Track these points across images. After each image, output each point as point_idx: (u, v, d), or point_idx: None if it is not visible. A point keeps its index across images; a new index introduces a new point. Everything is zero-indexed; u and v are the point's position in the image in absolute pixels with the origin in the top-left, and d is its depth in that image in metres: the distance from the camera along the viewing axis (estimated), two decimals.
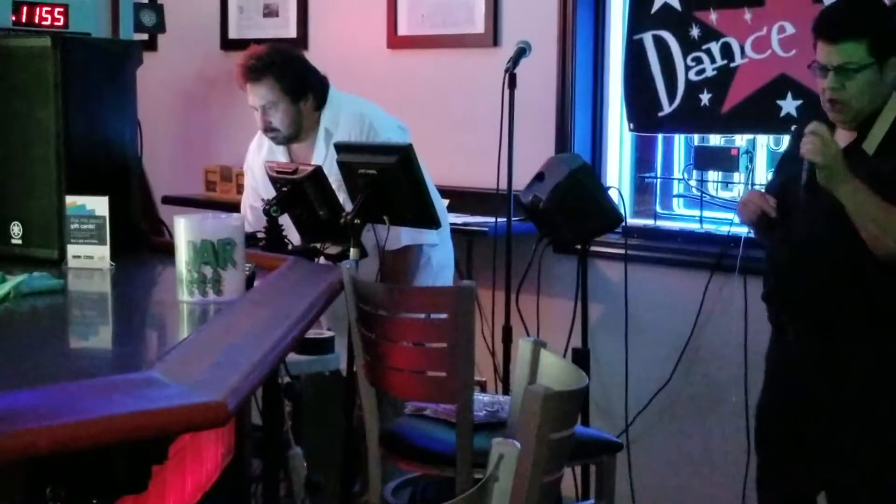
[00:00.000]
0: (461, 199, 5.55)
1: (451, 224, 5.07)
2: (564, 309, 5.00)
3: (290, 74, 4.52)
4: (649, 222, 5.32)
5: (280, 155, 4.65)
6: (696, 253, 5.06)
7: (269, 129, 4.54)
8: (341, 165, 4.03)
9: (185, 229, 3.10)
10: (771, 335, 3.80)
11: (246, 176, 4.89)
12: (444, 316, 3.37)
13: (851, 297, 3.48)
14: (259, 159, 4.69)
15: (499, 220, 4.96)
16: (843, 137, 3.53)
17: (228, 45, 6.83)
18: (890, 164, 3.36)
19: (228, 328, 2.72)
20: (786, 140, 4.82)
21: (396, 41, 6.08)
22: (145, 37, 6.76)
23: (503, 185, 4.75)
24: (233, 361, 2.36)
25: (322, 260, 4.08)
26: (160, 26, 6.50)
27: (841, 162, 3.39)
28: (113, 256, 3.57)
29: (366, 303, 3.48)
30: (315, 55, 5.88)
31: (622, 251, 5.06)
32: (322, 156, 4.51)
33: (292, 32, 6.51)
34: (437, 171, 4.67)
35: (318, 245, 4.11)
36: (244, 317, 2.84)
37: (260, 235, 4.12)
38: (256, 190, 4.69)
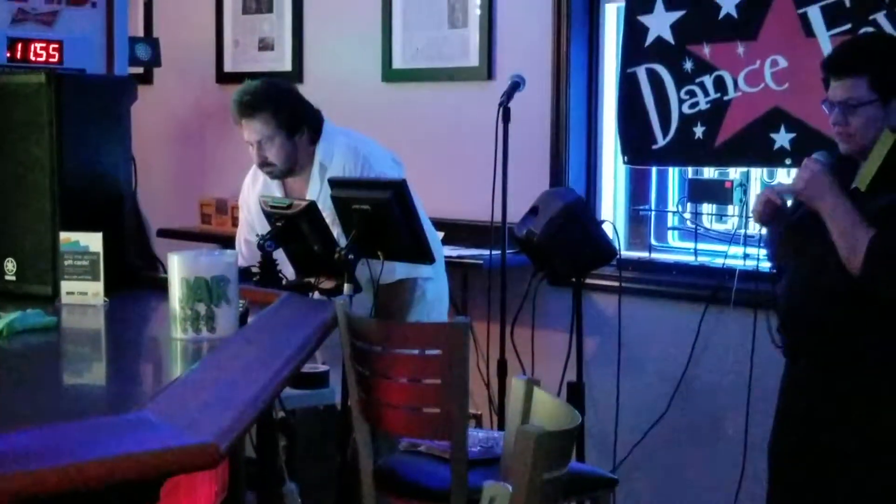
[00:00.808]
0: (456, 231, 5.56)
1: (446, 257, 5.07)
2: (560, 341, 4.99)
3: (285, 109, 4.51)
4: (644, 255, 5.32)
5: (275, 189, 4.65)
6: (691, 285, 5.06)
7: (264, 164, 4.54)
8: (335, 200, 4.03)
9: (178, 266, 3.10)
10: (784, 367, 3.80)
11: (241, 210, 4.89)
12: (437, 352, 3.37)
13: (862, 329, 3.48)
14: (254, 193, 4.69)
15: (493, 252, 4.96)
16: None
17: (224, 78, 6.84)
18: (881, 201, 3.37)
19: (221, 367, 2.71)
20: (780, 172, 4.85)
21: (391, 74, 6.10)
22: (141, 70, 6.81)
23: (498, 218, 4.76)
24: (225, 401, 2.36)
25: (316, 295, 4.08)
26: (156, 60, 6.54)
27: (821, 181, 3.45)
28: (107, 292, 3.57)
29: (359, 339, 3.47)
30: (310, 88, 5.91)
31: (617, 284, 5.06)
32: (317, 190, 4.51)
33: (287, 66, 6.53)
34: (431, 203, 4.68)
35: (313, 280, 4.10)
36: (237, 355, 2.84)
37: (254, 270, 4.12)
38: (251, 224, 4.69)
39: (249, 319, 3.32)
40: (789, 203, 3.67)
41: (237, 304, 3.19)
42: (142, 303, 3.81)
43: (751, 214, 4.08)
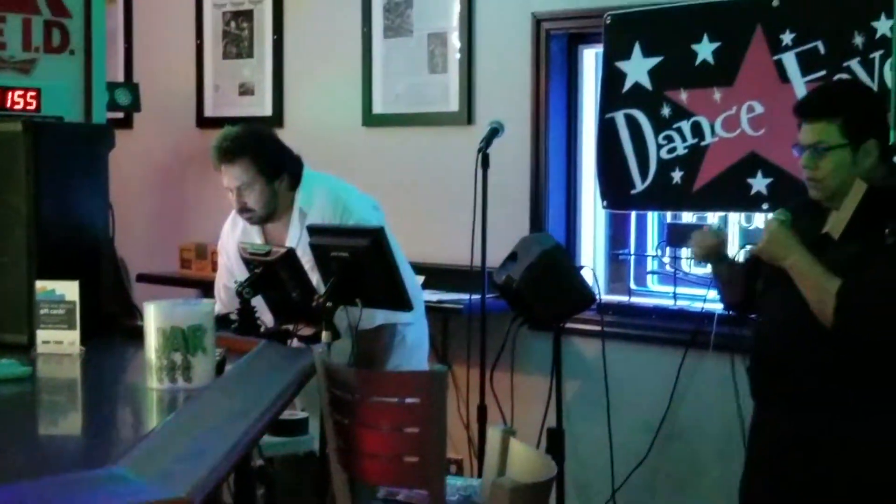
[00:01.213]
0: (436, 276, 5.56)
1: (426, 301, 5.07)
2: (540, 386, 4.99)
3: (265, 155, 4.50)
4: (623, 299, 5.33)
5: (254, 235, 4.64)
6: (671, 329, 5.08)
7: (244, 210, 4.53)
8: (314, 248, 4.03)
9: (154, 316, 3.10)
10: (753, 411, 3.80)
11: (220, 256, 4.88)
12: (416, 401, 3.36)
13: (833, 373, 3.49)
14: (233, 239, 4.69)
15: (473, 297, 4.96)
16: (835, 219, 3.57)
17: (204, 122, 6.85)
18: (852, 250, 3.38)
19: (197, 418, 2.71)
20: (757, 217, 4.86)
21: (371, 119, 6.11)
22: (121, 115, 6.81)
23: (477, 263, 4.76)
24: (200, 454, 2.35)
25: (295, 342, 4.07)
26: (136, 105, 6.55)
27: (779, 238, 3.48)
28: (83, 341, 3.57)
29: (338, 388, 3.46)
30: (290, 133, 5.93)
31: (597, 328, 5.07)
32: (296, 236, 4.50)
33: (268, 110, 6.54)
34: (411, 248, 4.68)
35: (291, 327, 4.09)
36: (213, 405, 2.83)
37: (233, 317, 4.11)
38: (230, 270, 4.68)
39: (226, 368, 3.31)
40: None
41: (214, 354, 3.19)
42: (118, 351, 3.80)
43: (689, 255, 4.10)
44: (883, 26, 4.34)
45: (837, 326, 3.35)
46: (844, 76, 4.45)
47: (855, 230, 3.34)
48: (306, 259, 4.15)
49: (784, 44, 4.64)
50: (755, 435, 3.77)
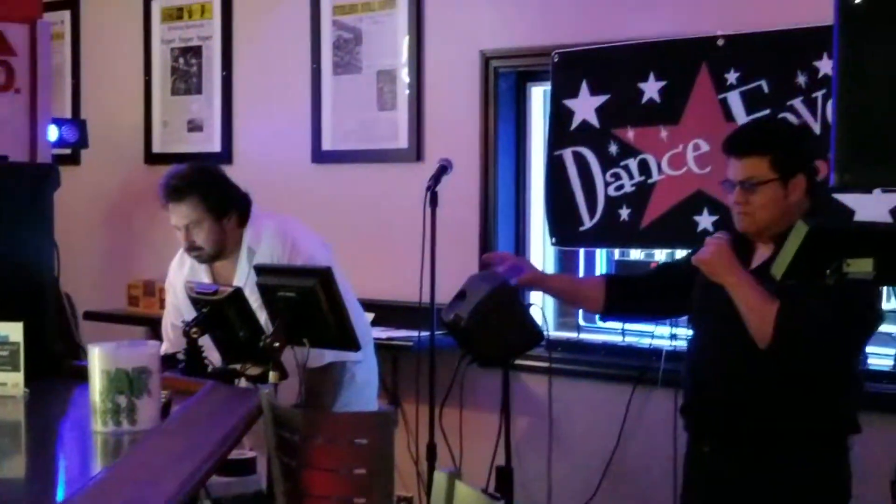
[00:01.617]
0: (386, 312, 5.56)
1: (376, 339, 5.07)
2: (490, 423, 4.98)
3: (213, 193, 4.48)
4: (573, 335, 5.34)
5: (202, 273, 4.62)
6: (619, 366, 5.10)
7: (192, 248, 4.51)
8: (261, 287, 4.01)
9: (98, 358, 3.08)
10: (687, 448, 3.82)
11: (167, 294, 4.85)
12: (363, 442, 3.34)
13: (769, 419, 3.51)
14: (181, 277, 4.66)
15: (423, 334, 4.96)
16: (763, 252, 3.60)
17: (152, 158, 6.83)
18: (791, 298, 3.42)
19: (140, 462, 2.69)
20: None
21: (321, 156, 6.11)
22: (68, 151, 6.78)
23: (426, 300, 4.76)
24: (144, 499, 2.33)
25: (243, 381, 4.05)
26: (83, 141, 6.52)
27: (723, 257, 3.52)
28: (28, 382, 3.53)
29: (284, 429, 3.44)
30: (239, 169, 5.92)
31: (545, 365, 5.08)
32: (244, 274, 4.48)
33: (217, 147, 6.53)
34: (361, 284, 4.68)
35: (239, 366, 4.07)
36: (158, 448, 2.82)
37: (180, 357, 4.09)
38: (178, 308, 4.66)
39: (172, 410, 3.29)
40: None
41: (159, 396, 3.16)
42: (63, 393, 3.76)
43: None
44: (825, 66, 4.39)
45: (774, 347, 3.38)
46: (788, 115, 4.51)
47: (796, 271, 3.37)
48: (254, 298, 4.13)
49: (729, 83, 4.69)
50: (692, 470, 3.79)
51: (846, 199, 4.38)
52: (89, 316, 6.37)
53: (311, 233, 4.66)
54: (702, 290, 3.69)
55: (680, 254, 5.00)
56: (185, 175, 4.49)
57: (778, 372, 3.46)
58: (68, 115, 7.07)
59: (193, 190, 4.44)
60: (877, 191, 4.17)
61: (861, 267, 2.95)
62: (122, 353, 3.11)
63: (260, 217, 4.58)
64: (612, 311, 4.08)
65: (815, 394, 3.50)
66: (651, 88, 4.88)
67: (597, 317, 5.29)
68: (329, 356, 4.41)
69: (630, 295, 4.00)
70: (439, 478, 2.58)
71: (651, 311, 4.15)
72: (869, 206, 4.32)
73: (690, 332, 3.90)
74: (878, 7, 2.89)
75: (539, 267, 5.50)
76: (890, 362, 4.57)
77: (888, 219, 4.28)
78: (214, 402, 3.39)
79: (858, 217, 4.36)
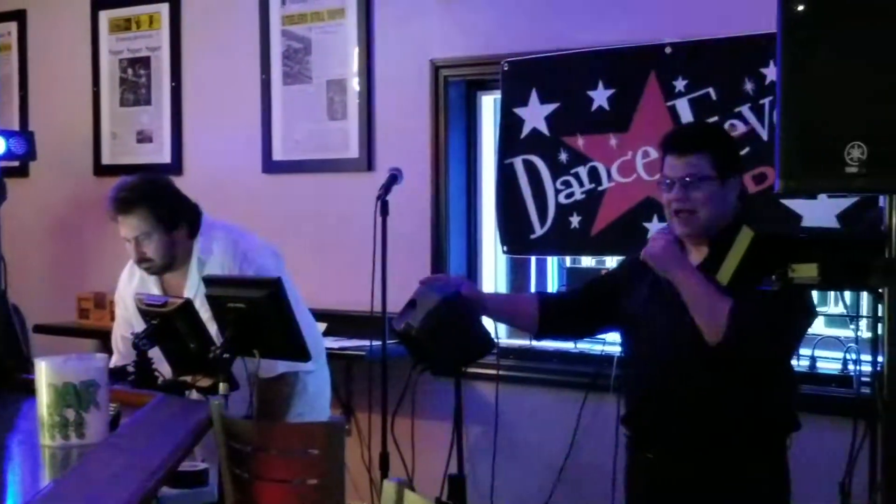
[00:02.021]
0: (338, 322, 5.55)
1: (328, 348, 5.06)
2: (442, 432, 4.98)
3: (162, 205, 4.46)
4: (525, 343, 5.35)
5: (152, 284, 4.60)
6: (572, 373, 5.11)
7: (142, 261, 4.49)
8: (210, 299, 4.00)
9: (45, 372, 3.05)
10: (629, 456, 3.84)
11: (117, 306, 4.83)
12: (314, 452, 3.34)
13: (715, 418, 3.53)
14: (130, 289, 4.64)
15: (375, 343, 4.95)
16: (696, 257, 3.62)
17: (102, 170, 6.79)
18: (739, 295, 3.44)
19: (88, 476, 2.67)
20: None
21: (271, 166, 6.10)
22: (16, 163, 6.73)
23: (378, 309, 4.76)
24: None
25: (193, 393, 4.04)
26: (31, 153, 6.46)
27: (672, 251, 3.53)
28: None
29: (235, 440, 3.44)
30: (189, 180, 5.90)
31: (499, 372, 5.08)
32: (195, 285, 4.46)
33: (167, 158, 6.51)
34: (314, 295, 4.68)
35: (189, 378, 4.05)
36: (107, 461, 2.80)
37: (130, 369, 4.06)
38: (128, 320, 4.63)
39: (121, 423, 3.27)
40: None
41: (108, 409, 3.14)
42: (12, 407, 3.73)
43: None
44: (772, 73, 4.43)
45: (726, 343, 3.37)
46: (736, 122, 4.54)
47: (742, 277, 3.40)
48: (205, 309, 4.12)
49: (677, 90, 4.72)
50: (634, 477, 3.81)
51: (794, 204, 4.42)
52: (40, 329, 6.32)
53: (262, 243, 4.65)
54: (640, 299, 3.69)
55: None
56: (133, 187, 4.46)
57: (723, 373, 3.47)
58: (16, 126, 7.01)
59: (142, 202, 4.42)
60: (823, 196, 4.21)
61: (806, 272, 2.98)
62: (69, 367, 3.08)
63: (210, 228, 4.56)
64: (546, 331, 4.05)
65: (759, 393, 3.52)
66: (600, 96, 4.91)
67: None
68: (281, 367, 4.40)
69: (563, 314, 3.97)
70: (388, 487, 2.57)
71: (585, 328, 4.11)
72: (817, 212, 4.36)
73: (625, 342, 3.89)
74: (821, 14, 2.91)
75: (491, 276, 5.55)
76: (838, 366, 4.61)
77: (835, 224, 4.32)
78: (164, 414, 3.38)
79: (806, 223, 4.40)
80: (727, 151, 3.62)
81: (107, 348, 5.03)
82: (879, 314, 3.16)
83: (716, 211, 3.52)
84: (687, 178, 3.53)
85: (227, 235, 4.57)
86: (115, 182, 4.56)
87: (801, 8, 2.92)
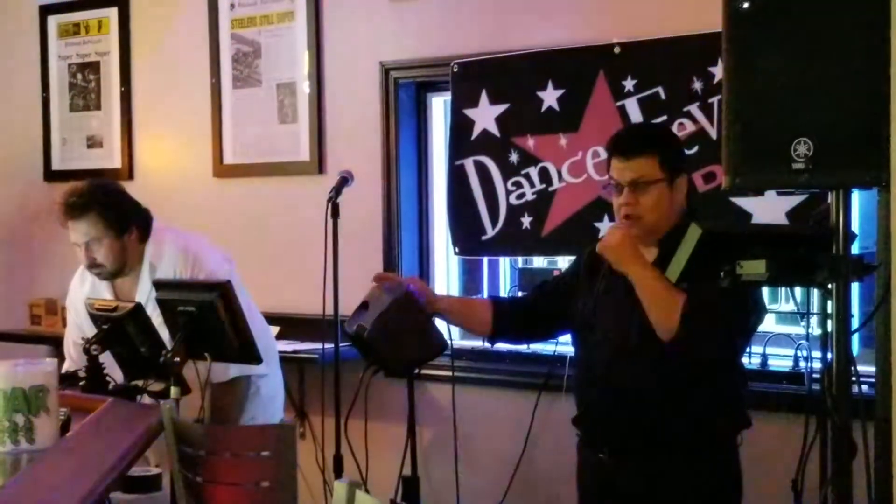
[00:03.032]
0: (290, 325, 5.54)
1: (281, 352, 5.06)
2: (396, 434, 4.98)
3: (113, 209, 4.44)
4: (477, 344, 5.35)
5: (104, 290, 4.58)
6: (525, 373, 5.12)
7: (93, 266, 4.47)
8: (161, 303, 3.99)
9: None
10: (581, 457, 3.85)
11: (68, 312, 4.80)
12: (265, 455, 3.33)
13: (664, 417, 3.55)
14: (81, 295, 4.61)
15: (328, 346, 4.94)
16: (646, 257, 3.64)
17: (52, 176, 6.75)
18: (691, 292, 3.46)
19: (39, 480, 2.66)
20: None
21: (222, 170, 6.08)
22: None
23: (330, 312, 4.76)
24: None
25: (145, 397, 4.02)
26: None
27: (629, 245, 3.53)
28: None
29: (186, 444, 3.42)
30: (140, 185, 5.88)
31: (451, 373, 5.08)
32: (146, 290, 4.44)
33: (117, 163, 6.47)
34: (265, 298, 4.66)
35: (141, 382, 4.04)
36: (56, 467, 2.79)
37: (81, 374, 4.04)
38: (80, 326, 4.60)
39: (72, 428, 3.25)
40: None
41: (57, 413, 3.13)
42: None
43: None
44: (720, 72, 4.39)
45: (679, 337, 3.38)
46: (685, 121, 4.57)
47: (691, 274, 3.41)
48: (157, 314, 4.11)
49: (626, 90, 4.74)
50: (587, 477, 3.82)
51: (744, 202, 4.45)
52: None
53: (213, 247, 4.63)
54: (591, 298, 3.70)
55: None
56: (83, 192, 4.44)
57: (672, 371, 3.49)
58: None
59: (92, 207, 4.40)
60: (772, 193, 4.23)
61: (754, 269, 3.00)
62: (18, 372, 3.07)
63: (161, 232, 4.55)
64: (498, 335, 4.05)
65: (707, 392, 3.54)
66: (549, 97, 4.93)
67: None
68: (234, 370, 4.39)
69: (516, 317, 3.97)
70: (339, 488, 2.57)
71: (540, 331, 4.11)
72: (767, 209, 4.39)
73: (575, 341, 3.90)
74: (766, 12, 2.94)
75: (443, 278, 5.56)
76: (789, 363, 4.64)
77: (785, 221, 4.35)
78: (114, 418, 3.36)
79: (756, 221, 4.43)
80: (673, 152, 3.63)
81: (59, 354, 4.99)
82: (828, 311, 3.19)
83: (663, 213, 3.54)
84: (635, 182, 3.54)
85: (179, 240, 4.55)
86: (65, 187, 4.54)
87: (745, 6, 2.95)
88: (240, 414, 4.51)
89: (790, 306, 4.65)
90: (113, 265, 4.45)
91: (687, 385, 3.52)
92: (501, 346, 5.28)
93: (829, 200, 3.11)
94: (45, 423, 3.05)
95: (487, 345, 5.27)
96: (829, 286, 3.04)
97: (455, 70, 5.17)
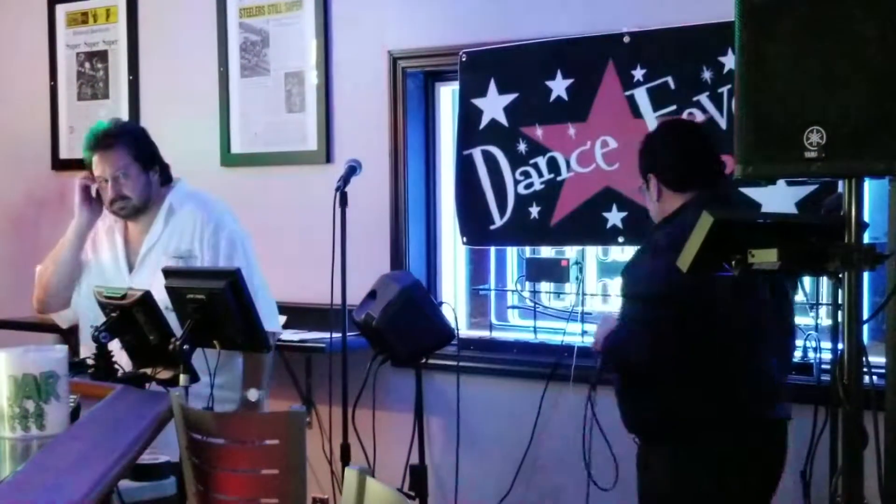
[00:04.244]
0: (298, 314, 5.53)
1: (288, 341, 5.11)
2: (403, 423, 4.99)
3: (142, 142, 4.58)
4: (485, 334, 5.36)
5: (116, 233, 4.59)
6: (532, 363, 5.12)
7: (119, 198, 4.49)
8: (170, 291, 3.99)
9: (5, 363, 3.05)
10: None
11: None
12: (274, 442, 3.34)
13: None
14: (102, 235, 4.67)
15: (335, 335, 4.95)
16: None
17: (59, 165, 6.75)
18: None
19: (49, 467, 2.66)
20: (613, 250, 4.94)
21: (230, 159, 6.08)
22: None
23: (337, 301, 4.76)
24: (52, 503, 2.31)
25: (154, 385, 4.02)
26: None
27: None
28: None
29: (195, 431, 3.43)
30: None
31: (459, 363, 5.09)
32: (157, 232, 4.50)
33: None
34: (272, 287, 4.65)
35: (149, 370, 4.04)
36: (66, 454, 2.79)
37: (90, 362, 4.05)
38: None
39: (81, 415, 3.26)
40: None
41: (68, 400, 3.13)
42: None
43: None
44: (730, 61, 4.44)
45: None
46: (694, 111, 4.56)
47: (702, 263, 3.41)
48: (164, 260, 4.34)
49: (636, 79, 4.73)
50: None
51: (753, 192, 4.44)
52: None
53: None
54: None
55: (590, 251, 5.08)
56: (112, 126, 4.59)
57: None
58: None
59: (123, 138, 4.53)
60: (781, 183, 4.23)
61: (766, 257, 2.99)
62: (29, 358, 3.08)
63: (185, 186, 4.66)
64: None
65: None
66: (558, 86, 4.91)
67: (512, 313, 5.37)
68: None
69: None
70: (350, 475, 2.58)
71: None
72: (777, 199, 4.38)
73: None
74: (779, 1, 2.93)
75: (450, 268, 5.55)
76: (799, 353, 4.62)
77: (794, 211, 4.34)
78: (124, 405, 3.37)
79: (765, 210, 4.42)
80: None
81: (67, 342, 4.99)
82: (839, 301, 3.19)
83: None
84: None
85: (203, 195, 4.68)
86: (72, 176, 4.57)
87: None
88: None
89: (799, 296, 4.64)
90: (139, 199, 4.52)
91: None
92: (508, 335, 5.31)
93: (839, 190, 3.11)
94: (55, 410, 3.05)
95: (494, 334, 5.32)
96: (841, 275, 3.03)
97: (463, 59, 5.16)
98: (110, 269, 4.57)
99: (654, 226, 3.86)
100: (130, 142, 4.52)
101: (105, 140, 4.50)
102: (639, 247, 4.00)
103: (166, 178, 4.61)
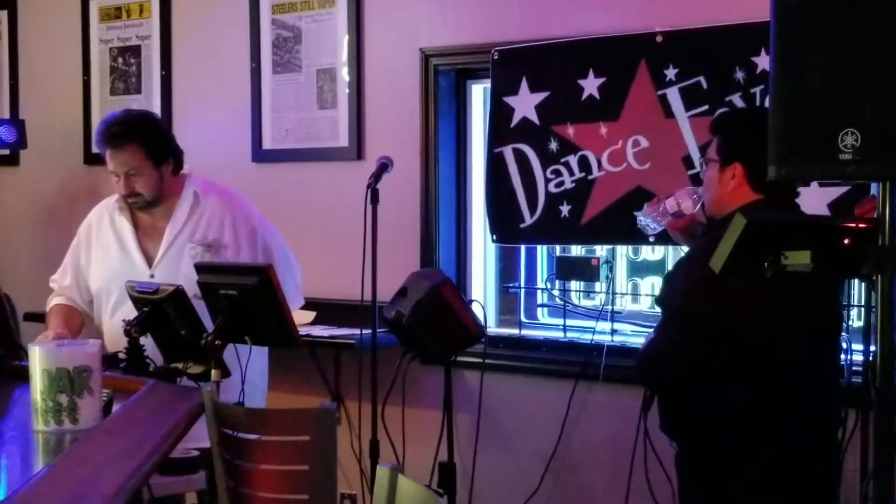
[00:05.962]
0: (328, 310, 5.55)
1: (318, 337, 5.11)
2: (432, 420, 4.99)
3: (153, 138, 4.54)
4: (514, 332, 5.36)
5: (125, 222, 4.61)
6: (561, 362, 5.12)
7: (131, 195, 4.51)
8: (202, 286, 4.00)
9: (39, 357, 3.06)
10: None
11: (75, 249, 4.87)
12: (305, 438, 3.35)
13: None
14: (97, 229, 4.71)
15: (365, 332, 4.96)
16: None
17: (92, 159, 6.76)
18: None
19: (82, 461, 2.67)
20: (644, 249, 4.93)
21: (261, 155, 6.10)
22: (7, 152, 6.73)
23: (368, 298, 4.77)
24: (85, 498, 2.32)
25: (185, 380, 4.04)
26: (22, 142, 6.47)
27: None
28: None
29: (226, 426, 3.44)
30: None
31: (488, 361, 5.09)
32: (181, 220, 4.51)
33: None
34: (303, 283, 4.67)
35: (181, 365, 4.06)
36: (99, 448, 2.80)
37: (121, 356, 4.07)
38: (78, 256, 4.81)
39: (114, 409, 3.27)
40: None
41: (101, 395, 3.15)
42: (4, 393, 3.73)
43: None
44: (763, 61, 4.44)
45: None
46: (726, 110, 4.55)
47: (735, 264, 3.40)
48: (188, 248, 4.40)
49: (668, 79, 4.72)
50: None
51: None
52: (30, 317, 6.29)
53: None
54: None
55: (620, 250, 5.07)
56: (124, 121, 4.54)
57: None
58: (6, 115, 7.00)
59: (133, 137, 4.49)
60: (814, 185, 4.22)
61: (799, 259, 2.99)
62: (63, 353, 3.09)
63: (202, 177, 4.68)
64: None
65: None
66: (590, 85, 4.91)
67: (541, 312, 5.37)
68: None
69: None
70: (382, 472, 2.58)
71: None
72: (808, 201, 4.36)
73: None
74: (814, 3, 2.92)
75: (480, 265, 5.56)
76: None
77: (826, 213, 4.33)
78: (156, 400, 3.38)
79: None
80: (731, 137, 3.67)
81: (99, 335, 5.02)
82: (872, 303, 3.17)
83: (715, 195, 3.59)
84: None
85: (225, 187, 4.73)
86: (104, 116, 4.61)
87: None
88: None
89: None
90: (151, 195, 4.52)
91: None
92: (537, 333, 5.31)
93: (872, 192, 3.09)
94: (88, 404, 3.06)
95: (523, 332, 5.32)
96: (874, 278, 3.02)
97: (495, 57, 5.16)
98: (119, 262, 4.60)
99: (707, 225, 3.76)
100: (142, 138, 4.48)
101: (116, 137, 4.47)
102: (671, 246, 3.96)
103: (179, 166, 4.59)
